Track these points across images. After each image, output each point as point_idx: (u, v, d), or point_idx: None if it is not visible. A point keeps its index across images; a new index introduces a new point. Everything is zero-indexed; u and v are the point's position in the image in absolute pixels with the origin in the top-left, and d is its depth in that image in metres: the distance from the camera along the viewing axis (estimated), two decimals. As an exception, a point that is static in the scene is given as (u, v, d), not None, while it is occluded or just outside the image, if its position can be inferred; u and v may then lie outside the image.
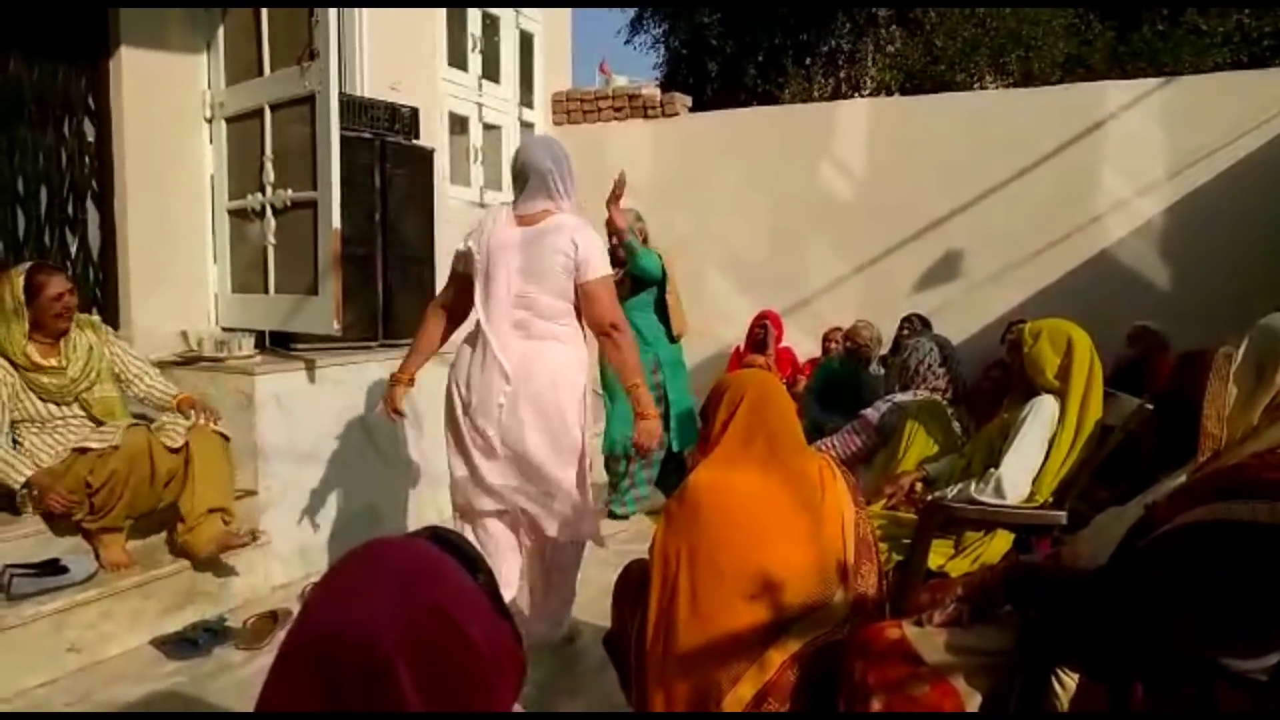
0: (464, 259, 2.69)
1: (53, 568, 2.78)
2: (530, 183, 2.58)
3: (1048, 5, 10.05)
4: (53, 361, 2.94)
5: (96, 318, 3.24)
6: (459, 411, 2.68)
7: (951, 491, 2.62)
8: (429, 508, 4.18)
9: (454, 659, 0.70)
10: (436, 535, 0.81)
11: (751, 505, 1.78)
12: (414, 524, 4.08)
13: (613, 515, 4.30)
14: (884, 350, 5.04)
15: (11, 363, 2.88)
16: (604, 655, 2.19)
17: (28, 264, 2.98)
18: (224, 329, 4.00)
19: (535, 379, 2.57)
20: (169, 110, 3.89)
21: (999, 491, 2.49)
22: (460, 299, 2.75)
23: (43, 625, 2.66)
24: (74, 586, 2.78)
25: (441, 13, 5.36)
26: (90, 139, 3.75)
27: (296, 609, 3.12)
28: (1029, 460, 2.51)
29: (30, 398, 2.91)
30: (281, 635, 0.85)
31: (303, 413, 3.59)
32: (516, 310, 2.57)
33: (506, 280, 2.56)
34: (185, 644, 2.89)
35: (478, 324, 2.62)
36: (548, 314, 2.58)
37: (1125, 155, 5.18)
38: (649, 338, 4.12)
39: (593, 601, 3.02)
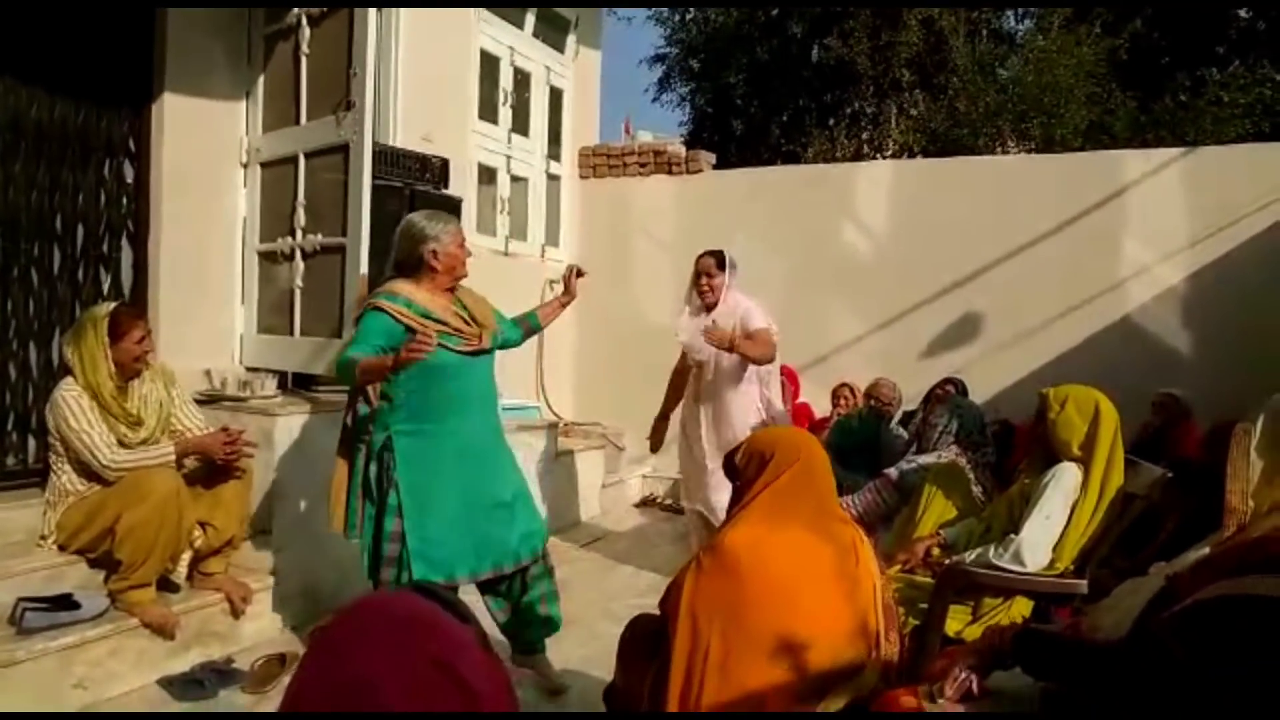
0: None
1: (65, 603, 2.79)
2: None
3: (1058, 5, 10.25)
4: (130, 409, 2.99)
5: (171, 368, 3.24)
6: None
7: (970, 556, 2.58)
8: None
9: (456, 708, 0.71)
10: (422, 590, 0.83)
11: (792, 567, 1.76)
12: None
13: None
14: (905, 408, 5.02)
15: (95, 399, 2.91)
16: (598, 709, 2.15)
17: (111, 305, 3.04)
18: (247, 369, 4.05)
19: None
20: (206, 154, 4.01)
21: (1019, 558, 2.46)
22: None
23: (51, 661, 2.65)
24: (84, 623, 2.77)
25: (475, 67, 5.51)
26: (129, 180, 3.86)
27: (303, 652, 3.12)
28: (1050, 527, 2.48)
29: None
30: (288, 679, 0.86)
31: (319, 454, 3.59)
32: None
33: None
34: (192, 685, 2.87)
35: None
36: None
37: (1147, 222, 5.19)
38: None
39: (599, 657, 2.98)
